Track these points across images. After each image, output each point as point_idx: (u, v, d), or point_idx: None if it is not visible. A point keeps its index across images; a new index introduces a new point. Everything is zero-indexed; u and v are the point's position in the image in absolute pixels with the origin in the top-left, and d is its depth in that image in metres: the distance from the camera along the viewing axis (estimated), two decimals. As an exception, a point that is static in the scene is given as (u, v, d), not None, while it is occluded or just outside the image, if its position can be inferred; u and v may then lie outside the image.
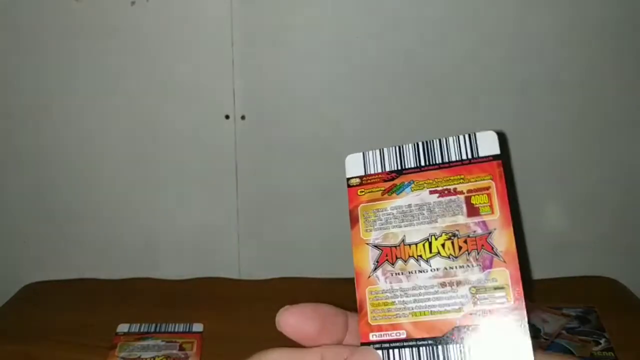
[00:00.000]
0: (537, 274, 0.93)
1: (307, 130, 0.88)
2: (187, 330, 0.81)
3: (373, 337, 0.26)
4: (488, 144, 0.27)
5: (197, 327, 0.82)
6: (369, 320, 0.26)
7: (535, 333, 0.76)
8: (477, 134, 0.27)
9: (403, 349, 0.25)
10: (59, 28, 0.84)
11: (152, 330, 0.81)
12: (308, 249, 0.93)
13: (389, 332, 0.26)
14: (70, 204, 0.94)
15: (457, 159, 0.27)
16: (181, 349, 0.77)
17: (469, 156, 0.27)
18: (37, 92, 0.88)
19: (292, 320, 0.26)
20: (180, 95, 0.87)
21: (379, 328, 0.26)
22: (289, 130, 0.88)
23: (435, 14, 0.82)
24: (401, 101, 0.86)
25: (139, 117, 0.89)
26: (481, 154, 0.27)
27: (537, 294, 0.86)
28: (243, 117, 0.87)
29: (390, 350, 0.25)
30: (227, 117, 0.87)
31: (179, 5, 0.83)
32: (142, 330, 0.81)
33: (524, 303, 0.24)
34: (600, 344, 0.75)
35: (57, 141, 0.90)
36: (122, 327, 0.81)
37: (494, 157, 0.26)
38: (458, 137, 0.27)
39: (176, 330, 0.81)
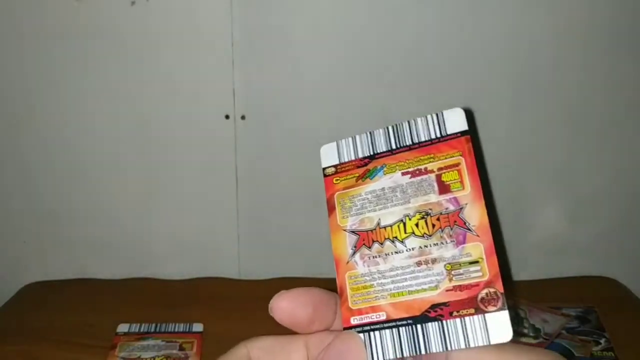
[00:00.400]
0: (538, 274, 0.93)
1: (307, 130, 0.87)
2: (187, 330, 0.81)
3: (354, 320, 0.26)
4: (456, 121, 0.27)
5: (197, 327, 0.82)
6: (350, 305, 0.27)
7: (535, 333, 0.76)
8: (444, 112, 0.27)
9: (383, 331, 0.25)
10: (59, 28, 0.84)
11: (152, 330, 0.81)
12: (308, 249, 0.93)
13: (369, 315, 0.26)
14: (70, 204, 0.94)
15: (427, 139, 0.27)
16: (181, 349, 0.77)
17: (438, 135, 0.27)
18: (39, 90, 0.88)
19: (285, 305, 0.26)
20: (180, 95, 0.87)
21: (360, 312, 0.26)
22: (289, 131, 0.88)
23: (435, 15, 0.82)
24: (401, 101, 0.86)
25: (139, 117, 0.89)
26: (449, 132, 0.27)
27: (537, 294, 0.86)
28: (243, 117, 0.87)
29: (372, 333, 0.26)
30: (227, 117, 0.87)
31: (179, 6, 0.83)
32: (142, 330, 0.81)
33: (499, 275, 0.24)
34: (600, 344, 0.75)
35: (58, 140, 0.90)
36: (122, 327, 0.81)
37: (462, 133, 0.26)
38: (426, 117, 0.27)
39: (176, 330, 0.81)
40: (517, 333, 0.76)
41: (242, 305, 0.87)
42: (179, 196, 0.93)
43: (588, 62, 0.84)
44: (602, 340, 0.75)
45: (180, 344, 0.78)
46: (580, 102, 0.86)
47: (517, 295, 0.85)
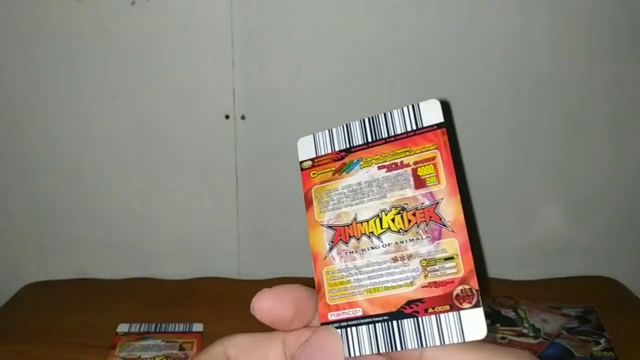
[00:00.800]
0: (538, 274, 0.93)
1: (307, 130, 0.87)
2: (187, 330, 0.81)
3: (331, 316, 0.26)
4: (432, 113, 0.26)
5: (197, 327, 0.82)
6: (327, 301, 0.27)
7: (535, 333, 0.76)
8: (421, 104, 0.27)
9: (360, 327, 0.25)
10: (59, 27, 0.84)
11: (152, 330, 0.81)
12: (308, 249, 0.93)
13: (346, 311, 0.26)
14: (70, 204, 0.94)
15: (403, 132, 0.27)
16: (181, 349, 0.77)
17: (414, 127, 0.27)
18: (39, 90, 0.88)
19: (268, 304, 0.26)
20: (180, 95, 0.87)
21: (337, 307, 0.26)
22: (289, 130, 0.88)
23: (436, 15, 0.82)
24: (401, 101, 0.86)
25: (139, 117, 0.89)
26: (425, 124, 0.26)
27: (537, 294, 0.86)
28: (243, 117, 0.87)
29: (348, 329, 0.26)
30: (227, 117, 0.87)
31: (179, 6, 0.83)
32: (142, 330, 0.81)
33: (474, 272, 0.24)
34: (600, 344, 0.75)
35: (58, 141, 0.90)
36: (122, 327, 0.81)
37: (438, 126, 0.26)
38: (402, 109, 0.27)
39: (176, 330, 0.81)
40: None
41: (242, 305, 0.86)
42: (179, 196, 0.93)
43: (588, 62, 0.84)
44: (602, 340, 0.75)
45: (180, 344, 0.78)
46: (580, 102, 0.86)
47: (516, 295, 0.85)
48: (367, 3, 0.82)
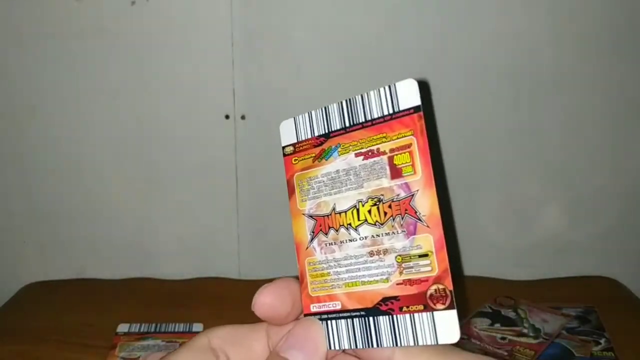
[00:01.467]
0: (538, 274, 0.93)
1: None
2: (187, 330, 0.81)
3: (313, 308, 0.26)
4: (408, 95, 0.25)
5: (197, 327, 0.82)
6: (309, 292, 0.26)
7: (535, 333, 0.76)
8: (397, 84, 0.25)
9: (339, 320, 0.25)
10: (59, 27, 0.84)
11: (152, 330, 0.81)
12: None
13: (327, 303, 0.26)
14: (69, 204, 0.94)
15: (379, 116, 0.25)
16: (181, 349, 0.77)
17: (390, 111, 0.25)
18: (39, 90, 0.88)
19: (269, 300, 0.26)
20: (180, 95, 0.87)
21: (318, 299, 0.26)
22: (289, 130, 0.88)
23: (435, 15, 0.83)
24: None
25: (140, 117, 0.89)
26: (402, 107, 0.25)
27: (537, 294, 0.86)
28: (243, 117, 0.87)
29: (328, 322, 0.25)
30: (227, 117, 0.87)
31: (179, 6, 0.83)
32: (142, 330, 0.81)
33: (449, 271, 0.23)
34: (600, 344, 0.75)
35: (58, 141, 0.90)
36: (122, 327, 0.81)
37: (415, 110, 0.25)
38: (379, 89, 0.26)
39: (176, 330, 0.81)
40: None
41: (242, 305, 0.86)
42: (179, 196, 0.93)
43: (588, 62, 0.84)
44: (602, 340, 0.75)
45: (181, 344, 0.78)
46: (580, 102, 0.86)
47: (516, 295, 0.85)
48: (367, 3, 0.82)
